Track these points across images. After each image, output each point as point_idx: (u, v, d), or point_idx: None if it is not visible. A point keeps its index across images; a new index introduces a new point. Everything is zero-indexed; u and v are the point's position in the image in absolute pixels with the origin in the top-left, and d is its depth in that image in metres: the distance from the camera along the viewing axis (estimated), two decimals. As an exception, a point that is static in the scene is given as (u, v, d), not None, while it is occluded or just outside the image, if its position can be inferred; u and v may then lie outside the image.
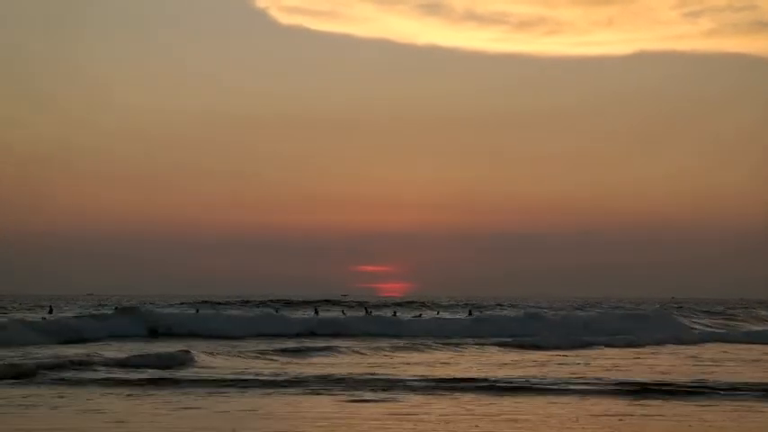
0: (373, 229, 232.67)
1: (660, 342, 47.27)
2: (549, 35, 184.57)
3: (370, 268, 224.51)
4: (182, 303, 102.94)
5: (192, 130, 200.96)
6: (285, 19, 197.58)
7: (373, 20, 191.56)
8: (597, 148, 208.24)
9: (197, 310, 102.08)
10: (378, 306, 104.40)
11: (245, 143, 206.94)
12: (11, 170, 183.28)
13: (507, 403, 21.19)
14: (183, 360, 30.40)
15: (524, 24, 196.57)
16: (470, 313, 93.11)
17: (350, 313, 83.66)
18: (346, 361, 33.34)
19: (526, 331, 51.95)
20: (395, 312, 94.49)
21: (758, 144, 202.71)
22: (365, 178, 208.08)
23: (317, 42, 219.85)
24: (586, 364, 32.58)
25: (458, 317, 75.20)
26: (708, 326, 67.21)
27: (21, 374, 25.91)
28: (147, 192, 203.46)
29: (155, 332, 50.29)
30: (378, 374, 27.10)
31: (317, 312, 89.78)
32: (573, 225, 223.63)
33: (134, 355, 31.29)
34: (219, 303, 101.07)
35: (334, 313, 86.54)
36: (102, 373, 27.00)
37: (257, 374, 26.98)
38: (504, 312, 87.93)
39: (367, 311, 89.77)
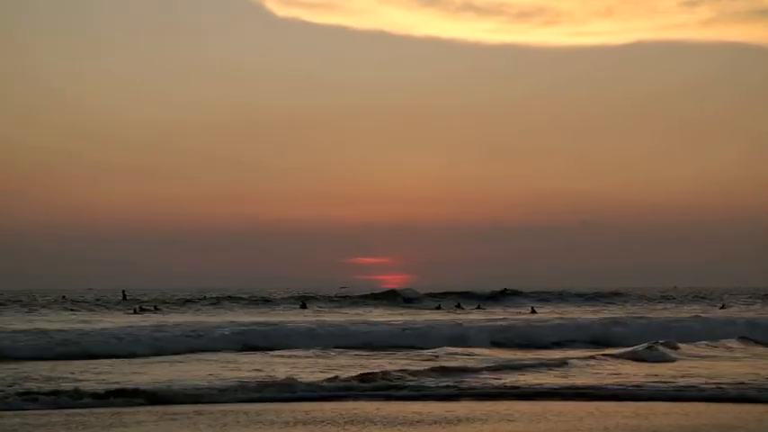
0: (371, 221, 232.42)
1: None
2: (548, 25, 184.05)
3: (367, 260, 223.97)
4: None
5: (184, 122, 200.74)
6: (282, 11, 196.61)
7: (370, 11, 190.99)
8: (596, 138, 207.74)
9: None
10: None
11: (239, 136, 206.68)
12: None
13: None
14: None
15: (523, 14, 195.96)
16: (478, 307, 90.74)
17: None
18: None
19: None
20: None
21: (756, 132, 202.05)
22: (362, 170, 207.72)
23: (313, 35, 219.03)
24: None
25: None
26: None
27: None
28: (148, 185, 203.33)
29: None
30: None
31: (304, 306, 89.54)
32: (574, 216, 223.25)
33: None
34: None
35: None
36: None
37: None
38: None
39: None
